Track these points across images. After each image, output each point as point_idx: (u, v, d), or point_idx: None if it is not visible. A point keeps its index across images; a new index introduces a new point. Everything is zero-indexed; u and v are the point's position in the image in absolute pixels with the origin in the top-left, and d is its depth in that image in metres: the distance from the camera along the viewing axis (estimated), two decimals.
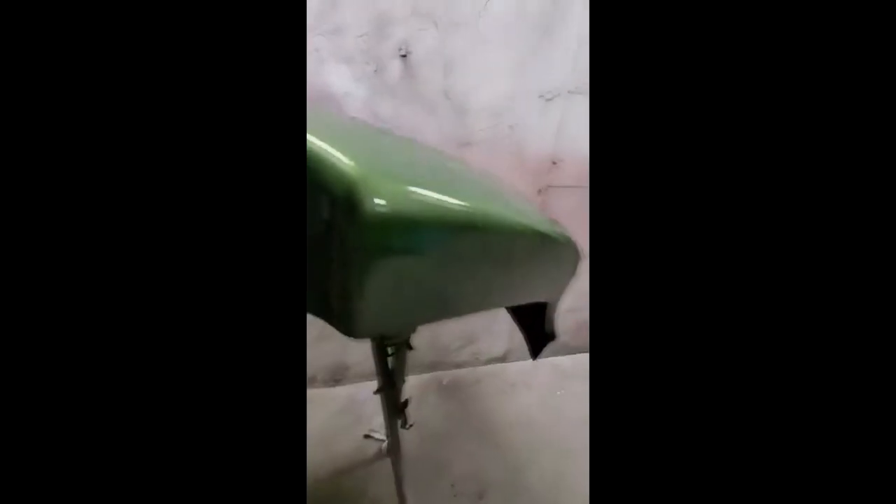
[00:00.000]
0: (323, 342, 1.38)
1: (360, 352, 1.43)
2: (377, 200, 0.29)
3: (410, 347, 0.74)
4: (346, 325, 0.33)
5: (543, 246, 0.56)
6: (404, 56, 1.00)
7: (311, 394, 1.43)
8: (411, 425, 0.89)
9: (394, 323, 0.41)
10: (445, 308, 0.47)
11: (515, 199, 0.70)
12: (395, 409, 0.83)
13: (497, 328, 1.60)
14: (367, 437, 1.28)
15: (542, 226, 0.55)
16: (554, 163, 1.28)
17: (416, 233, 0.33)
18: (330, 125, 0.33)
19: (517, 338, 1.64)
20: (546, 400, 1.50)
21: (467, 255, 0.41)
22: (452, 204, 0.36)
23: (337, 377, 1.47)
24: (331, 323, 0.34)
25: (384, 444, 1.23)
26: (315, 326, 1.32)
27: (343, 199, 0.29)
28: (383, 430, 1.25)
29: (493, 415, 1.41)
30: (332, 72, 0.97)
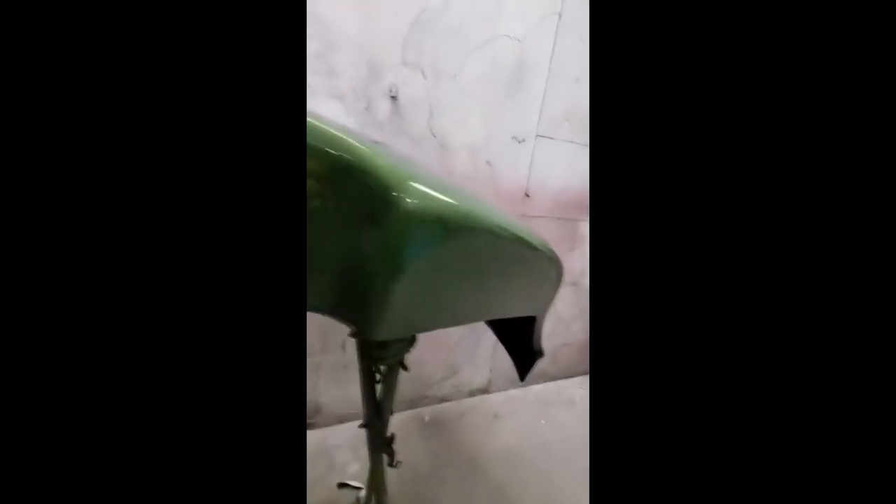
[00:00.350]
0: None
1: (335, 391, 1.33)
2: (409, 199, 0.32)
3: (405, 368, 0.72)
4: (370, 323, 0.34)
5: (536, 256, 0.61)
6: (394, 98, 1.10)
7: None
8: (399, 463, 0.82)
9: (412, 322, 0.42)
10: (455, 309, 0.48)
11: (508, 215, 0.76)
12: (383, 443, 0.77)
13: (479, 358, 1.59)
14: (342, 486, 1.14)
15: (533, 238, 0.61)
16: (526, 195, 1.41)
17: (441, 230, 0.36)
18: (359, 137, 0.37)
19: (498, 367, 1.63)
20: (530, 430, 1.47)
21: (479, 255, 0.45)
22: (467, 209, 0.41)
23: (308, 420, 1.33)
24: (353, 323, 0.34)
25: (361, 494, 1.10)
26: None
27: (380, 197, 0.32)
28: (360, 479, 1.13)
29: (478, 450, 1.34)
30: (326, 106, 1.03)
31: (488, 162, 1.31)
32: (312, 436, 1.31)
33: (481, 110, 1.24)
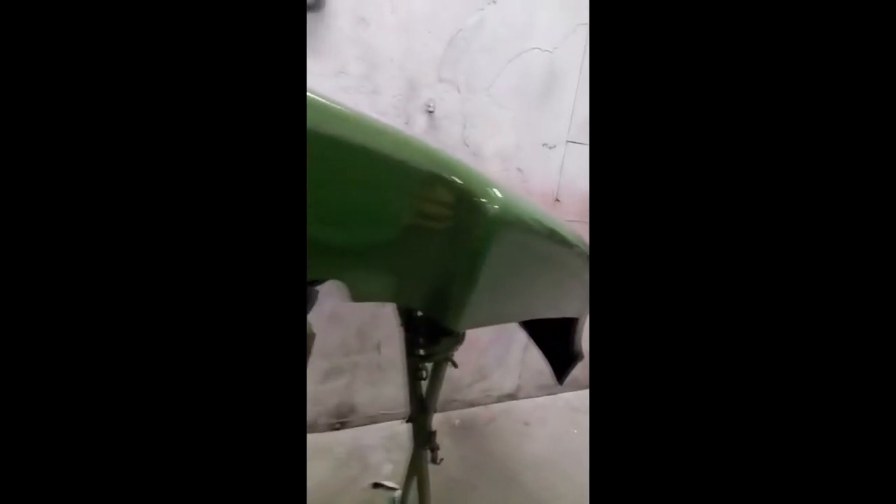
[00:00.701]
0: (330, 380, 1.32)
1: (370, 391, 1.37)
2: (493, 205, 0.37)
3: (454, 364, 0.75)
4: (452, 317, 0.38)
5: (580, 257, 0.63)
6: (430, 112, 1.17)
7: (312, 440, 1.32)
8: (442, 460, 0.85)
9: (483, 314, 0.46)
10: (520, 304, 0.52)
11: (544, 210, 0.80)
12: (427, 438, 0.80)
13: (509, 362, 1.59)
14: (376, 486, 1.17)
15: (578, 240, 0.64)
16: (557, 200, 1.43)
17: (516, 230, 0.41)
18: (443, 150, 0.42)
19: (527, 373, 1.63)
20: (561, 438, 1.45)
21: (544, 256, 0.48)
22: (536, 214, 0.45)
23: (341, 420, 1.38)
24: (435, 314, 0.39)
25: (396, 494, 1.12)
26: (326, 362, 1.27)
27: (471, 204, 0.36)
28: (394, 479, 1.15)
29: (509, 456, 1.34)
30: None
31: (519, 169, 1.34)
32: (346, 435, 1.35)
33: (513, 119, 1.29)
